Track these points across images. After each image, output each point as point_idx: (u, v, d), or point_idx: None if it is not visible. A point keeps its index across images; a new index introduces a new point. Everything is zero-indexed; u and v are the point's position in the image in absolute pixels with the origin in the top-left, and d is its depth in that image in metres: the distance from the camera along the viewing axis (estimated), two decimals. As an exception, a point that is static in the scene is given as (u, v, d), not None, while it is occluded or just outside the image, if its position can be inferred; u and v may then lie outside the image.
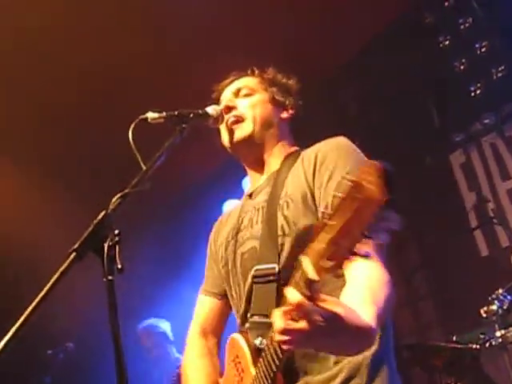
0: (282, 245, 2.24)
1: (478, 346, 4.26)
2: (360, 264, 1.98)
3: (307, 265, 1.49)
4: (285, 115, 2.72)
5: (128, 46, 5.64)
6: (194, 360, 2.62)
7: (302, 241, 2.10)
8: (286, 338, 1.53)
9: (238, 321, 2.44)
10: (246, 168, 2.76)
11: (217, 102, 2.74)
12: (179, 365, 5.20)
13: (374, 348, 2.09)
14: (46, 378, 5.77)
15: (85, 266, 1.80)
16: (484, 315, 4.36)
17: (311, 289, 1.49)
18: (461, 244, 6.08)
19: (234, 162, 2.82)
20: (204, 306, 2.72)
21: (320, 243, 1.44)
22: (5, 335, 1.65)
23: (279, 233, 2.28)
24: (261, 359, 1.96)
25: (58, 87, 5.84)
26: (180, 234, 7.54)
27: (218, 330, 2.68)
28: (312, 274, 1.46)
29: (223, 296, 2.65)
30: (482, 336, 4.27)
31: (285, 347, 1.66)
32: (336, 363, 2.08)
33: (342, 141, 2.40)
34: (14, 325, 1.66)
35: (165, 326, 6.39)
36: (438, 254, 6.13)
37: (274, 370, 1.88)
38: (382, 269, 1.99)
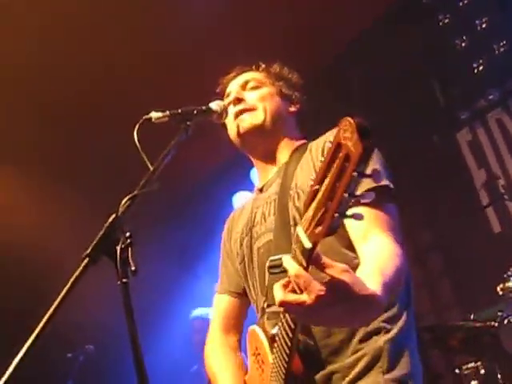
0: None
1: (496, 324, 4.24)
2: (372, 241, 2.00)
3: (301, 234, 1.47)
4: (292, 109, 2.72)
5: (129, 45, 5.64)
6: (218, 357, 2.61)
7: None
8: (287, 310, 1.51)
9: (258, 315, 2.44)
10: (254, 161, 2.74)
11: (221, 95, 2.74)
12: None
13: (394, 332, 2.10)
14: (67, 381, 5.80)
15: (100, 268, 1.80)
16: (500, 292, 4.34)
17: (309, 258, 1.46)
18: (473, 222, 6.05)
19: (241, 155, 2.81)
20: (221, 304, 2.72)
21: (310, 211, 1.43)
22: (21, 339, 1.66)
23: (291, 223, 2.28)
24: (275, 344, 1.96)
25: (59, 87, 5.84)
26: (191, 228, 7.55)
27: (238, 328, 2.67)
28: (306, 242, 1.43)
29: (239, 294, 2.65)
30: (499, 313, 4.25)
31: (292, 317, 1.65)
32: (357, 350, 2.09)
33: None
34: (28, 330, 1.66)
35: None
36: (451, 234, 6.11)
37: (289, 345, 1.85)
38: (394, 243, 1.99)
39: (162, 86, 5.87)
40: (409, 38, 6.21)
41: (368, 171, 1.30)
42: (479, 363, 4.45)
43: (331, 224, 1.35)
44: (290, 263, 1.51)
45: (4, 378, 1.56)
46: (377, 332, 2.10)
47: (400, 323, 2.14)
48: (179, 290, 7.31)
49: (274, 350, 1.98)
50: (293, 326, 1.75)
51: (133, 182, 2.04)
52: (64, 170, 6.54)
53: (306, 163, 2.41)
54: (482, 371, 4.42)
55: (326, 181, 1.36)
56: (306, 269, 1.47)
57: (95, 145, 6.32)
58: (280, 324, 1.83)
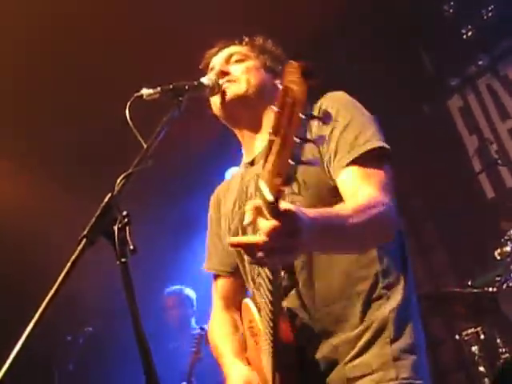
0: (293, 203, 2.21)
1: (495, 289, 4.26)
2: (360, 195, 2.00)
3: (263, 188, 1.43)
4: (277, 82, 2.69)
5: (116, 21, 5.54)
6: (222, 334, 2.59)
7: (316, 198, 2.08)
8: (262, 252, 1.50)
9: (253, 291, 2.41)
10: (240, 134, 2.68)
11: (204, 70, 2.70)
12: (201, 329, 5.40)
13: (397, 300, 2.10)
14: (68, 364, 5.80)
15: (98, 248, 1.77)
16: (498, 257, 4.36)
17: (272, 211, 1.43)
18: (466, 189, 6.08)
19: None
20: (218, 285, 2.70)
21: (269, 163, 1.39)
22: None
23: (288, 191, 2.26)
24: (261, 312, 1.94)
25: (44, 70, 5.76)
26: (184, 205, 7.51)
27: (237, 305, 2.65)
28: (268, 195, 1.40)
29: (232, 273, 2.62)
30: (498, 278, 4.26)
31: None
32: (361, 320, 2.08)
33: (338, 94, 2.39)
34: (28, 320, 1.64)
35: (190, 292, 6.48)
36: (445, 202, 6.12)
37: (270, 308, 1.83)
38: (382, 195, 1.99)
39: (150, 61, 5.75)
40: (395, 7, 6.15)
41: (331, 114, 1.33)
42: (479, 329, 4.48)
43: (287, 172, 1.33)
44: (262, 222, 1.49)
45: (7, 363, 1.55)
46: (378, 298, 2.10)
47: (400, 290, 2.13)
48: (174, 267, 7.31)
49: (262, 319, 1.97)
50: (271, 276, 1.72)
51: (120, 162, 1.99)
52: (50, 156, 6.47)
53: None
54: (482, 336, 4.45)
55: (281, 130, 1.32)
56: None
57: (83, 128, 6.23)
58: (261, 289, 1.82)
